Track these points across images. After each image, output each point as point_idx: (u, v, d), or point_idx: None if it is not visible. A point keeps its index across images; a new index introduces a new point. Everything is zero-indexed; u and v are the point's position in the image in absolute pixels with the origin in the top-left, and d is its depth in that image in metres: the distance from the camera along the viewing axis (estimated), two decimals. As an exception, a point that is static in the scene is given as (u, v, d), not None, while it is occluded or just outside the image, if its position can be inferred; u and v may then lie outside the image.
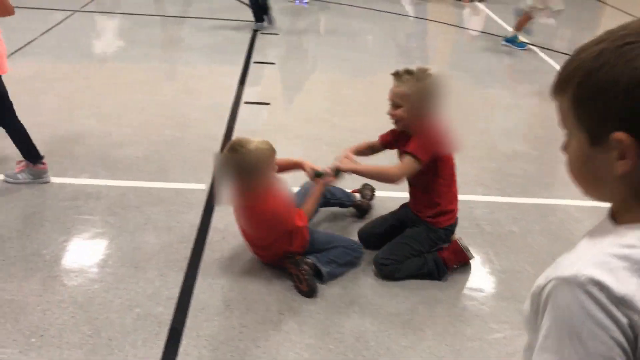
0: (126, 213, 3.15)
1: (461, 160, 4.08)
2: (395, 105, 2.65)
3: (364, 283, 2.77)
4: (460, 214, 3.36)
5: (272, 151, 2.57)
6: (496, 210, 3.50)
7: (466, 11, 9.29)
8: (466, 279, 2.85)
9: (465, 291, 2.78)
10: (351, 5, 8.66)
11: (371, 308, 2.61)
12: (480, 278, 2.87)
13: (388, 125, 2.80)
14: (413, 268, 2.80)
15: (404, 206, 3.03)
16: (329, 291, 2.69)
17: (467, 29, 8.25)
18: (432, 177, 2.75)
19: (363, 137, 3.11)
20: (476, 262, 2.99)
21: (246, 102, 4.84)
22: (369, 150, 3.02)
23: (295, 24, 7.61)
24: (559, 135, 0.91)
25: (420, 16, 8.62)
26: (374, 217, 3.21)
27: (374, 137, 3.02)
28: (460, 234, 3.20)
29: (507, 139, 4.53)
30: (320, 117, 4.67)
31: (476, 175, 3.90)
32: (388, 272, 2.79)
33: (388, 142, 2.92)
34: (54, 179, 3.44)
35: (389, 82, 2.67)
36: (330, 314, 2.56)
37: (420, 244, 2.83)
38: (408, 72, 2.61)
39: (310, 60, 6.16)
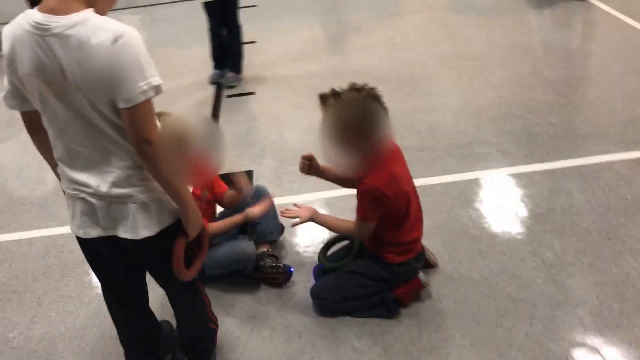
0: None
1: (478, 126, 3.60)
2: None
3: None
4: (486, 195, 2.88)
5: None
6: (528, 184, 2.97)
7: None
8: (504, 283, 2.37)
9: (507, 303, 2.30)
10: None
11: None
12: (523, 281, 2.38)
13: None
14: (354, 309, 2.30)
15: None
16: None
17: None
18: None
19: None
20: (514, 260, 2.50)
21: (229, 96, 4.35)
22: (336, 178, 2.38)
23: None
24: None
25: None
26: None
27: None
28: (489, 220, 2.71)
29: (527, 88, 3.95)
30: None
31: (497, 142, 3.36)
32: (323, 307, 2.32)
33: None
34: (20, 234, 3.03)
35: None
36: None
37: (369, 283, 2.26)
38: (335, 93, 2.01)
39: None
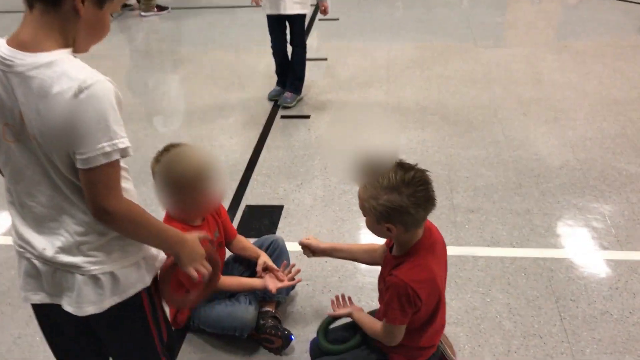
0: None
1: (543, 192, 3.02)
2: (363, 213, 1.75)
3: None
4: (534, 280, 2.45)
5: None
6: (587, 275, 2.53)
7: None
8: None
9: None
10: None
11: None
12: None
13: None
14: None
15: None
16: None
17: (571, -9, 6.90)
18: None
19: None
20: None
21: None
22: (366, 255, 2.08)
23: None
24: None
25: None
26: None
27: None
28: (530, 313, 2.30)
29: (611, 153, 3.46)
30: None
31: (561, 215, 2.92)
32: None
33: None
34: None
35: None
36: None
37: None
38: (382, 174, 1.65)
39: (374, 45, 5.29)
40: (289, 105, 4.19)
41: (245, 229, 2.93)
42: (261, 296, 2.34)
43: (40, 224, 1.38)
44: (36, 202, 1.36)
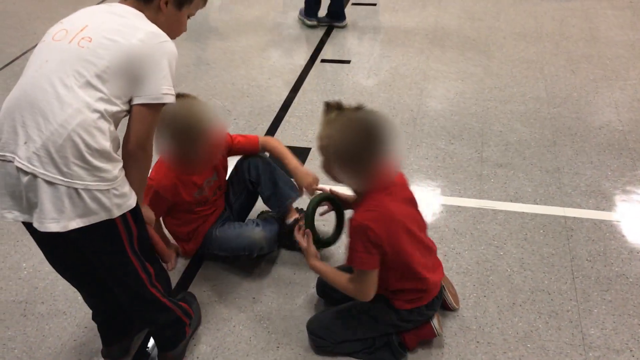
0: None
1: (577, 151, 2.92)
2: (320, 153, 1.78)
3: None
4: (551, 238, 2.42)
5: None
6: (607, 236, 2.48)
7: None
8: (526, 353, 1.99)
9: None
10: None
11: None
12: (549, 356, 1.98)
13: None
14: (355, 351, 2.01)
15: None
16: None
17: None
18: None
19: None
20: (549, 326, 2.09)
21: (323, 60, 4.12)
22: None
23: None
24: None
25: None
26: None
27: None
28: (541, 269, 2.28)
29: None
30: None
31: (591, 176, 2.83)
32: (321, 347, 2.03)
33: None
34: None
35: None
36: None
37: (372, 326, 1.96)
38: (339, 107, 1.72)
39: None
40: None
41: (271, 167, 2.99)
42: (277, 208, 2.41)
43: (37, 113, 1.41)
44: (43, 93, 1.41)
